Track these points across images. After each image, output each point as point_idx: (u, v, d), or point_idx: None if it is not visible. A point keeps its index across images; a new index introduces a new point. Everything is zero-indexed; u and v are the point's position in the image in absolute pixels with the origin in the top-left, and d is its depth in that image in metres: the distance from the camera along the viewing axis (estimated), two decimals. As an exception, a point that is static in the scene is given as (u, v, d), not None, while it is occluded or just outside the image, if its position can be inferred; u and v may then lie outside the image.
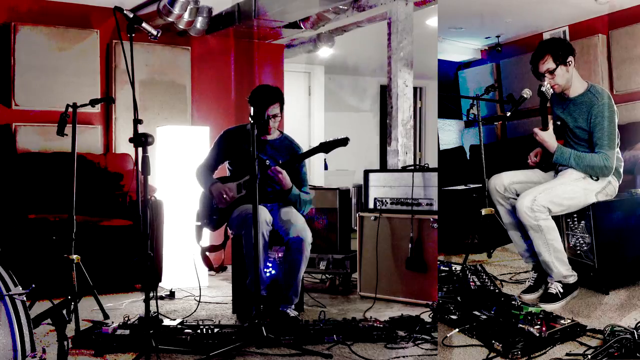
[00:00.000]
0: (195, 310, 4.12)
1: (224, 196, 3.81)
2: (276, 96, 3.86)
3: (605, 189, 3.35)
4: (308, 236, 3.72)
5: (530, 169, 3.57)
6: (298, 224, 3.74)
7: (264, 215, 3.63)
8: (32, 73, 5.44)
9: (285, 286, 3.76)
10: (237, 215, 3.76)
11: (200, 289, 4.34)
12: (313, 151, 3.73)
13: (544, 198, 3.24)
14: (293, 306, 3.81)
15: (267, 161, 3.70)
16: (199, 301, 4.31)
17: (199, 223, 3.95)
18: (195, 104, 6.29)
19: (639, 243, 3.40)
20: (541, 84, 3.26)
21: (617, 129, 3.29)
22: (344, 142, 3.59)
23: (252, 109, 3.46)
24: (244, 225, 3.67)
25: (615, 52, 4.08)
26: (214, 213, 3.91)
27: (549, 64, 3.29)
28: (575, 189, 3.30)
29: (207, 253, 3.95)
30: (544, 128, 3.31)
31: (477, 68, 5.08)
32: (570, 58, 3.30)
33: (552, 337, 2.79)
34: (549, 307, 3.23)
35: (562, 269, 3.33)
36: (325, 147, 3.64)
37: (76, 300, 3.48)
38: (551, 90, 3.27)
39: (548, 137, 3.31)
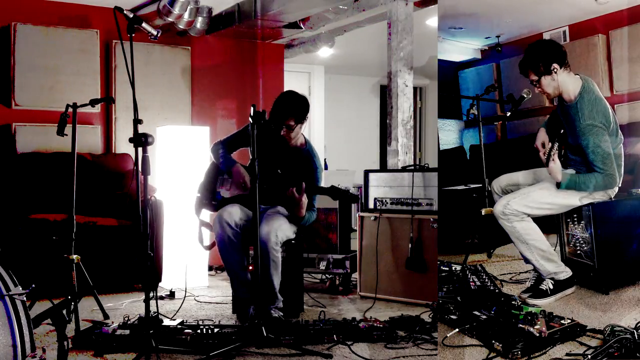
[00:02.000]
0: (179, 307, 4.12)
1: (242, 182, 3.79)
2: (291, 111, 3.74)
3: (591, 194, 3.32)
4: (272, 239, 3.59)
5: (530, 170, 3.58)
6: (267, 226, 3.63)
7: (227, 216, 3.64)
8: (32, 73, 5.45)
9: (264, 288, 3.74)
10: (216, 216, 3.77)
11: (186, 289, 4.38)
12: (321, 191, 3.67)
13: (518, 203, 3.28)
14: (280, 305, 3.77)
15: (279, 170, 3.68)
16: (185, 295, 4.36)
17: (199, 195, 3.94)
18: (195, 104, 6.29)
19: (638, 243, 3.40)
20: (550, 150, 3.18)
21: (608, 142, 3.19)
22: (354, 199, 3.55)
23: (252, 109, 3.45)
24: (214, 229, 3.70)
25: (615, 52, 4.07)
26: (214, 198, 3.91)
27: (532, 76, 3.23)
28: (553, 193, 3.29)
29: (203, 228, 3.94)
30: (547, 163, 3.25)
31: (477, 68, 5.07)
32: (555, 65, 3.16)
33: (552, 337, 2.79)
34: (537, 302, 3.28)
35: (548, 266, 3.36)
36: (334, 193, 3.55)
37: (76, 300, 3.48)
38: (555, 145, 3.20)
39: (555, 169, 3.21)
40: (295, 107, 3.78)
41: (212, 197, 3.92)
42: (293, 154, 3.90)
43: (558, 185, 3.25)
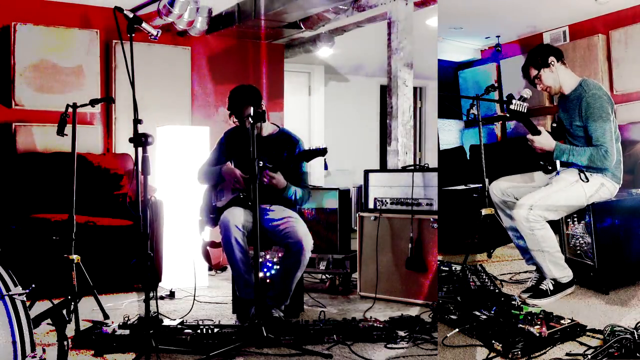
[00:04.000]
0: (190, 311, 4.09)
1: (234, 178, 3.80)
2: (246, 100, 3.82)
3: (598, 192, 3.36)
4: (309, 243, 3.69)
5: (528, 172, 3.60)
6: (301, 229, 3.72)
7: (232, 218, 3.64)
8: (32, 73, 5.45)
9: (277, 288, 3.76)
10: (220, 218, 3.78)
11: (195, 289, 4.33)
12: (298, 158, 3.74)
13: (540, 207, 3.31)
14: (283, 307, 3.80)
15: (261, 162, 3.70)
16: (194, 299, 4.30)
17: (201, 218, 4.00)
18: (195, 104, 6.29)
19: (639, 243, 3.40)
20: (510, 102, 3.36)
21: (611, 119, 3.30)
22: (322, 152, 3.59)
23: (252, 108, 3.46)
24: (221, 231, 3.71)
25: (615, 52, 4.08)
26: (212, 212, 3.94)
27: (532, 72, 3.46)
28: (570, 195, 3.35)
29: (208, 248, 3.97)
30: (535, 133, 3.37)
31: (477, 68, 5.08)
32: (551, 59, 3.40)
33: (552, 337, 2.79)
34: (537, 302, 3.31)
35: (554, 271, 3.39)
36: (307, 155, 3.62)
37: (76, 300, 3.48)
38: (524, 104, 3.35)
39: (544, 139, 3.38)
40: (247, 95, 3.87)
41: (209, 213, 3.96)
42: (268, 143, 3.92)
43: (552, 157, 3.38)
